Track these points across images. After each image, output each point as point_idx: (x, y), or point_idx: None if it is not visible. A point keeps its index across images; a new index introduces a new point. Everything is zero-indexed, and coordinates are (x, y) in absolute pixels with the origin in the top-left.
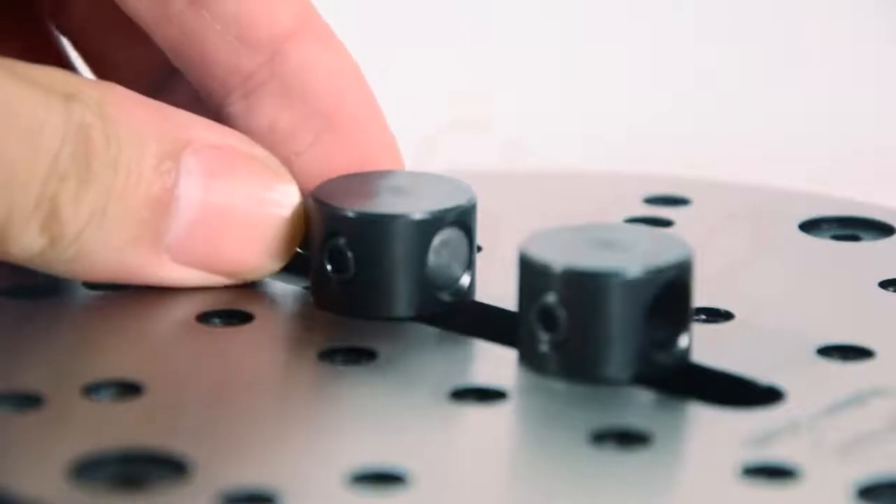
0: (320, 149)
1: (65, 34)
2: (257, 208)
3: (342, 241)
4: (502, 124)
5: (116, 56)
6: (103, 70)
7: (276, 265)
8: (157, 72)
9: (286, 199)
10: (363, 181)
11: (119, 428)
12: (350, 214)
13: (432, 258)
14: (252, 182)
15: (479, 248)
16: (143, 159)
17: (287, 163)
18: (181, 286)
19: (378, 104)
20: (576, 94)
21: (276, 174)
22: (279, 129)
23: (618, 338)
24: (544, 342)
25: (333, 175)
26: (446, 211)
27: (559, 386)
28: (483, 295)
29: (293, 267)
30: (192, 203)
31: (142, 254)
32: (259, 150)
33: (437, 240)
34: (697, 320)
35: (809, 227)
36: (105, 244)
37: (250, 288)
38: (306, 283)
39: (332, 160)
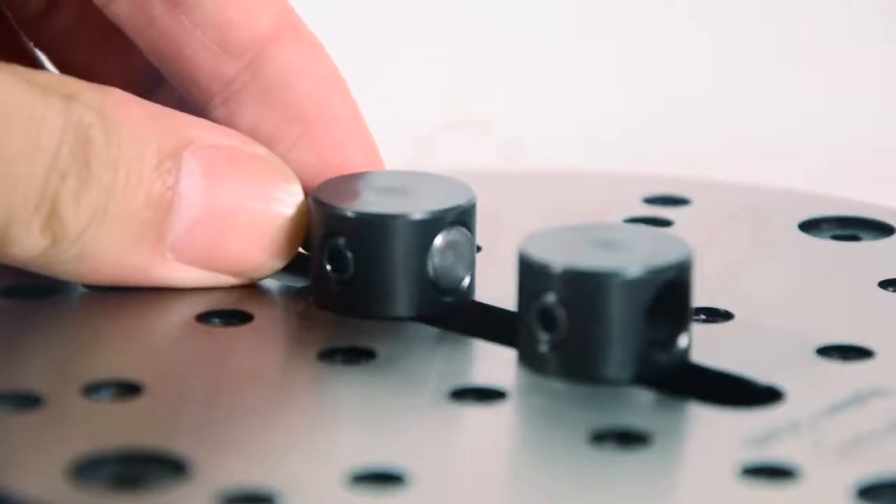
0: (300, 152)
1: (44, 50)
2: (260, 206)
3: (342, 240)
4: (497, 123)
5: (97, 69)
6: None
7: (280, 263)
8: (139, 83)
9: (290, 197)
10: (363, 181)
11: (119, 428)
12: (349, 214)
13: (437, 260)
14: (255, 181)
15: (479, 248)
16: (143, 158)
17: None
18: (185, 286)
19: (358, 107)
20: (570, 93)
21: (280, 173)
22: (260, 133)
23: (618, 338)
24: (544, 342)
25: (314, 179)
26: (446, 211)
27: (559, 386)
28: (483, 295)
29: (293, 267)
30: (194, 202)
31: (145, 253)
32: (261, 150)
33: (442, 242)
34: (697, 320)
35: (809, 227)
36: (107, 244)
37: (250, 288)
38: (306, 283)
39: (312, 164)
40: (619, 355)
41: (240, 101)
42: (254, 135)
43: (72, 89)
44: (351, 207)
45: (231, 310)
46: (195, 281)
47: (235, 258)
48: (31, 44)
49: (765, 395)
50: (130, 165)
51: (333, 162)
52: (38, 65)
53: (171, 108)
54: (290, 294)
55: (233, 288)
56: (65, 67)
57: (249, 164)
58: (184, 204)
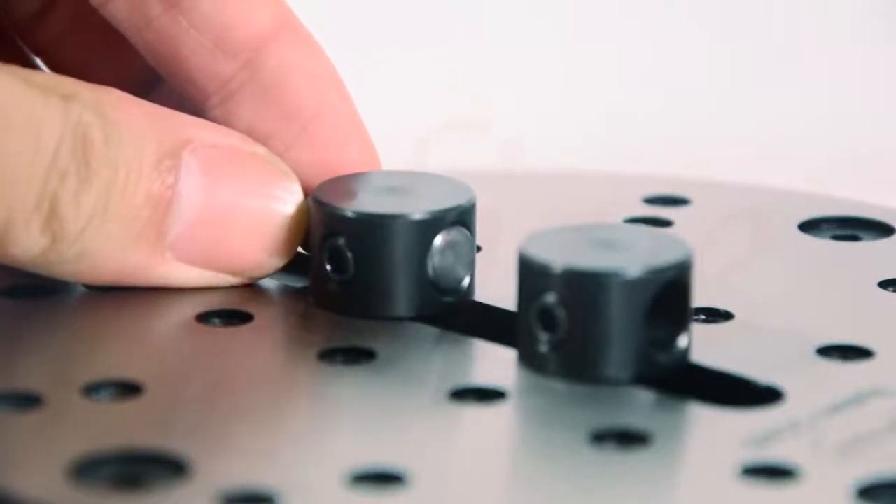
0: (298, 151)
1: (38, 52)
2: (260, 205)
3: (342, 240)
4: (497, 123)
5: (93, 71)
6: None
7: (280, 263)
8: (136, 85)
9: (289, 196)
10: (363, 181)
11: (119, 428)
12: (350, 214)
13: (437, 260)
14: (254, 180)
15: (479, 248)
16: (142, 157)
17: None
18: (185, 286)
19: (355, 106)
20: (570, 93)
21: (280, 172)
22: (258, 133)
23: (618, 338)
24: (544, 342)
25: (312, 178)
26: (446, 211)
27: (559, 386)
28: (483, 295)
29: (293, 267)
30: (194, 201)
31: (145, 252)
32: (261, 149)
33: (442, 242)
34: (697, 320)
35: (809, 227)
36: (107, 243)
37: (250, 288)
38: (306, 283)
39: (309, 163)
40: (619, 355)
41: (237, 101)
42: (251, 134)
43: (71, 89)
44: (351, 207)
45: (231, 310)
46: (195, 280)
47: (235, 257)
48: (25, 47)
49: (765, 395)
50: (130, 164)
51: (331, 161)
52: (33, 67)
53: (169, 108)
54: (290, 294)
55: (233, 288)
56: (60, 70)
57: (249, 163)
58: (183, 203)
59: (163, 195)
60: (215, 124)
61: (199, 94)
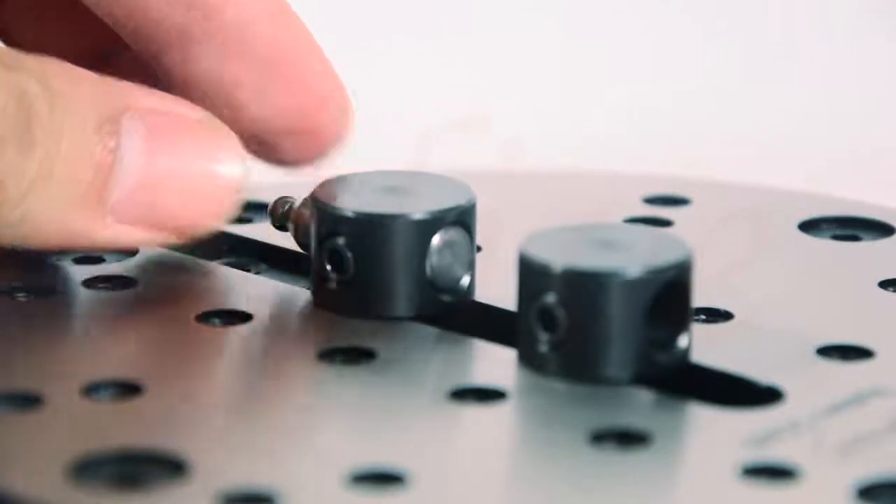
0: (267, 96)
1: None
2: (201, 168)
3: (341, 241)
4: (498, 123)
5: (47, 45)
6: None
7: (221, 224)
8: (91, 58)
9: (229, 158)
10: (363, 181)
11: (118, 428)
12: (349, 214)
13: (435, 259)
14: (195, 143)
15: (479, 248)
16: (85, 122)
17: (235, 113)
18: (128, 247)
19: (317, 42)
20: (570, 93)
21: (220, 135)
22: (223, 81)
23: (617, 338)
24: (544, 342)
25: (284, 122)
26: (446, 211)
27: (559, 386)
28: (483, 295)
29: (293, 267)
30: (134, 165)
31: (87, 216)
32: (201, 113)
33: (440, 241)
34: (697, 320)
35: (809, 227)
36: (50, 207)
37: (250, 288)
38: (306, 283)
39: (279, 106)
40: (619, 355)
41: (199, 52)
42: (218, 85)
43: (14, 60)
44: (351, 207)
45: (231, 310)
46: (138, 241)
47: (178, 220)
48: None
49: (765, 395)
50: (73, 131)
51: (300, 102)
52: None
53: (112, 77)
54: (289, 294)
55: (233, 288)
56: (12, 44)
57: (190, 128)
58: (125, 167)
59: (104, 159)
60: (158, 91)
61: (161, 50)
